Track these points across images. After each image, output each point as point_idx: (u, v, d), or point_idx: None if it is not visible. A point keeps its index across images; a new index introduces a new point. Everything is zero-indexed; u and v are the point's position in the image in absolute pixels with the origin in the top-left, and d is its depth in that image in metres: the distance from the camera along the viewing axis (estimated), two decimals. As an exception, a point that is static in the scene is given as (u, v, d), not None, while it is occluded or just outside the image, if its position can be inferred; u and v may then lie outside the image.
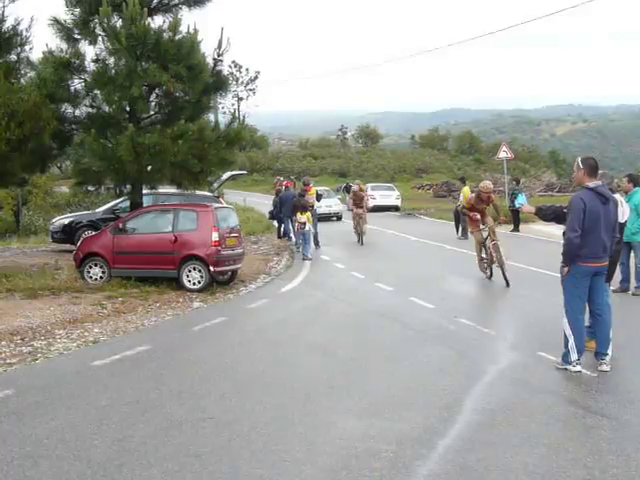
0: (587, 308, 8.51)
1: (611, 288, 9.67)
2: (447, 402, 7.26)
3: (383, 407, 7.15)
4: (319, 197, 25.85)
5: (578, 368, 8.18)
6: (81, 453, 5.88)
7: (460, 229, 26.23)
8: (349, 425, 6.61)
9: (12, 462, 5.69)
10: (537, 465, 5.58)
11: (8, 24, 16.14)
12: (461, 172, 61.40)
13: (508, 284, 14.57)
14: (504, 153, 35.62)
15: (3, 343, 10.05)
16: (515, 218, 28.46)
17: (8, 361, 9.16)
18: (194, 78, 16.15)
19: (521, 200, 28.41)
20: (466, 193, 26.74)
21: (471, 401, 7.31)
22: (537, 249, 22.13)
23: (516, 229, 28.16)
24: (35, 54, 16.82)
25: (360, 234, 24.52)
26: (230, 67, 74.16)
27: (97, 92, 16.69)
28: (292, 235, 23.92)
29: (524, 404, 7.16)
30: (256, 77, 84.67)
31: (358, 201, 25.72)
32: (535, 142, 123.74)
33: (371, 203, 35.15)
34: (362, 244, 23.97)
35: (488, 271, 15.87)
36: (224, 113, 43.42)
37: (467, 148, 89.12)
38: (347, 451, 5.92)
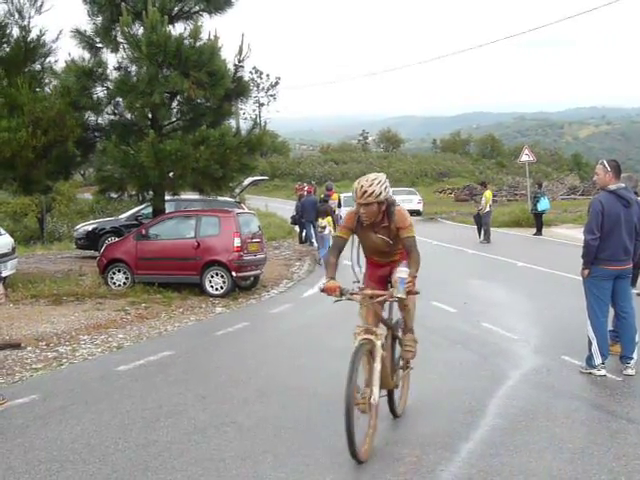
0: (611, 311, 8.46)
1: (634, 291, 9.60)
2: (470, 406, 7.24)
3: (406, 411, 7.13)
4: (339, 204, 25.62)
5: (603, 372, 8.12)
6: (106, 457, 5.92)
7: (482, 233, 26.14)
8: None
9: (39, 466, 5.75)
10: (562, 470, 5.54)
11: (33, 34, 16.31)
12: (483, 176, 61.22)
13: None
14: (526, 156, 35.45)
15: (29, 349, 10.16)
16: (538, 222, 28.34)
17: (34, 366, 9.26)
18: (215, 84, 16.21)
19: (544, 204, 28.31)
20: (488, 197, 26.71)
21: (494, 405, 7.28)
22: (560, 252, 21.98)
23: (539, 233, 28.03)
24: (59, 63, 17.01)
25: None
26: (251, 73, 74.43)
27: (119, 100, 16.83)
28: (314, 240, 23.95)
29: (548, 408, 7.12)
30: (277, 83, 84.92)
31: None
32: (558, 145, 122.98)
33: None
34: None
35: None
36: (245, 119, 43.76)
37: (489, 152, 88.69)
38: (370, 455, 5.91)
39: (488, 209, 26.17)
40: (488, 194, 27.04)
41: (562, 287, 14.74)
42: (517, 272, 17.90)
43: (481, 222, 26.29)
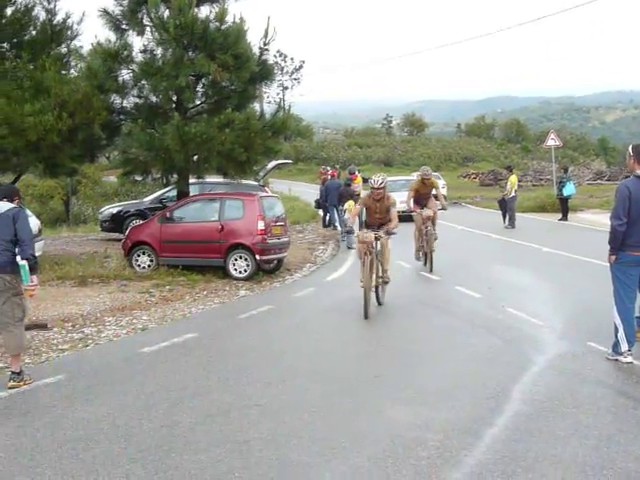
0: (639, 298, 8.37)
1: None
2: (494, 392, 7.21)
3: (429, 396, 7.12)
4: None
5: (629, 359, 8.04)
6: (131, 437, 5.97)
7: (507, 218, 25.95)
8: (395, 414, 6.59)
9: (65, 445, 5.81)
10: (587, 456, 5.50)
11: (59, 17, 16.37)
12: (508, 160, 60.74)
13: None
14: (552, 141, 35.11)
15: (55, 329, 10.26)
16: (563, 207, 28.09)
17: (60, 347, 9.35)
18: (240, 67, 16.20)
19: (569, 189, 28.05)
20: (513, 181, 26.49)
21: (519, 391, 7.24)
22: (586, 238, 21.79)
23: (564, 218, 27.79)
24: (85, 46, 17.06)
25: (428, 252, 15.80)
26: (275, 56, 74.30)
27: (144, 82, 16.86)
28: (337, 224, 23.93)
29: (573, 395, 7.07)
30: (301, 66, 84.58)
31: (425, 197, 16.18)
32: (584, 129, 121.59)
33: None
34: (431, 270, 15.48)
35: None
36: (269, 102, 43.66)
37: (514, 136, 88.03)
38: (393, 440, 5.91)
39: (513, 194, 25.96)
40: (514, 179, 26.82)
41: (588, 273, 14.61)
42: (542, 257, 17.77)
43: (506, 207, 26.10)
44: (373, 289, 11.50)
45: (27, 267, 7.45)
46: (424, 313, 11.45)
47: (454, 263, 16.68)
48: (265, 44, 17.14)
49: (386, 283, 12.02)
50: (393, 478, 5.17)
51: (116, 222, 21.62)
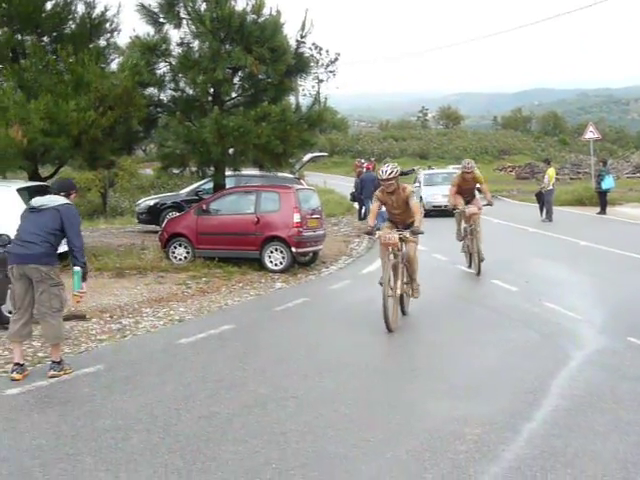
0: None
1: None
2: (532, 386, 7.16)
3: (467, 390, 7.09)
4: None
5: (670, 355, 7.93)
6: (169, 428, 6.02)
7: (544, 211, 25.70)
8: (432, 407, 6.58)
9: (105, 434, 5.88)
10: (629, 453, 5.44)
11: (98, 11, 16.52)
12: (545, 154, 60.08)
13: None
14: (591, 133, 34.65)
15: (93, 320, 10.37)
16: (602, 200, 27.74)
17: (98, 337, 9.45)
18: (277, 60, 16.22)
19: (608, 182, 27.68)
20: (551, 174, 26.22)
21: (557, 386, 7.18)
22: (624, 232, 21.53)
23: (602, 212, 27.43)
24: (123, 39, 17.21)
25: (474, 254, 14.39)
26: (310, 49, 74.11)
27: (182, 75, 16.95)
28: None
29: (613, 390, 6.99)
30: (336, 59, 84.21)
31: (467, 192, 14.57)
32: (623, 122, 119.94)
33: None
34: (479, 273, 14.11)
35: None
36: (304, 95, 43.36)
37: (551, 129, 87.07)
38: (430, 433, 5.89)
39: (551, 187, 25.69)
40: (551, 172, 26.54)
41: (626, 267, 14.43)
42: (580, 251, 17.57)
43: (543, 200, 25.84)
44: (396, 297, 9.93)
45: (80, 274, 7.57)
46: (460, 306, 11.39)
47: (490, 256, 16.51)
48: (302, 37, 17.14)
49: (414, 297, 10.72)
50: (431, 471, 5.15)
51: (153, 214, 21.78)
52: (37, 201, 7.79)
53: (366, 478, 5.10)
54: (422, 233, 10.05)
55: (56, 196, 7.78)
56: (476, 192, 14.94)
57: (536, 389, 7.07)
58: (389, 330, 9.29)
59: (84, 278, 7.69)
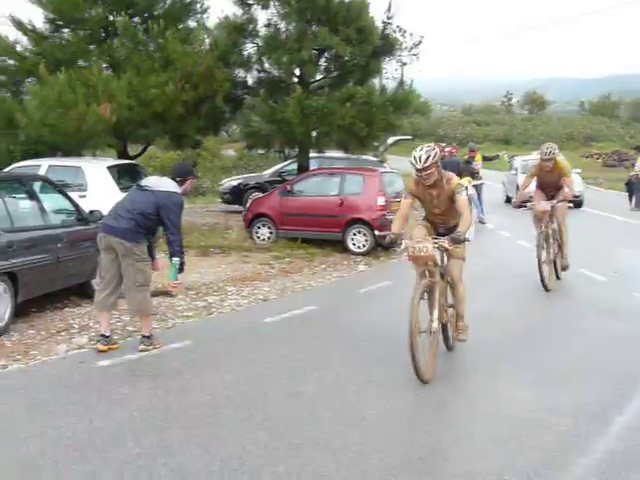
0: None
1: None
2: (622, 378, 6.97)
3: (553, 379, 6.93)
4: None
5: None
6: (257, 405, 6.07)
7: (634, 200, 24.89)
8: (518, 396, 6.46)
9: (194, 409, 5.97)
10: None
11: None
12: (634, 141, 58.23)
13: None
14: (685, 121, 33.36)
15: (179, 297, 10.53)
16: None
17: (185, 314, 9.59)
18: (363, 41, 16.15)
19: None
20: (643, 162, 25.32)
21: (649, 378, 6.96)
22: None
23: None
24: (212, 20, 17.41)
25: (550, 264, 11.56)
26: (394, 31, 73.58)
27: (267, 56, 17.02)
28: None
29: None
30: (420, 42, 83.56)
31: (550, 186, 11.68)
32: None
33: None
34: (547, 289, 11.24)
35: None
36: (387, 78, 42.95)
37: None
38: (516, 422, 5.80)
39: (642, 175, 24.84)
40: (643, 159, 25.66)
41: None
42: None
43: (633, 189, 25.03)
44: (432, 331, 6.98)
45: (177, 266, 7.65)
46: (546, 295, 11.11)
47: (576, 245, 16.03)
48: (389, 18, 16.98)
49: (458, 339, 7.79)
50: (519, 460, 5.07)
51: (236, 194, 21.99)
52: (145, 180, 7.92)
53: (452, 464, 5.04)
54: (466, 241, 7.19)
55: (167, 181, 7.77)
56: (566, 188, 11.55)
57: (626, 380, 6.90)
58: (419, 376, 6.54)
59: (181, 269, 7.72)
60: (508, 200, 26.01)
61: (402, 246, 7.16)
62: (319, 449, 5.19)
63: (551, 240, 11.49)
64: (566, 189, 11.43)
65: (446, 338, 7.68)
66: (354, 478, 4.79)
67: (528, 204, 11.75)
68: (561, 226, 11.69)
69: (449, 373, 7.11)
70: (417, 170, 7.00)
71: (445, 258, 7.33)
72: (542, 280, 11.11)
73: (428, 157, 6.91)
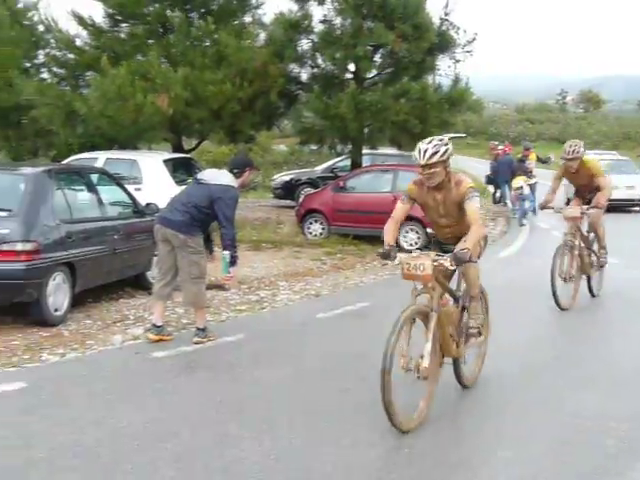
0: None
1: None
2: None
3: (613, 383, 6.78)
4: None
5: None
6: (308, 400, 6.06)
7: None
8: (574, 398, 6.31)
9: (246, 402, 5.98)
10: None
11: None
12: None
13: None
14: None
15: (232, 291, 10.60)
16: None
17: (238, 308, 9.66)
18: (419, 38, 16.08)
19: None
20: None
21: None
22: None
23: None
24: (267, 15, 17.51)
25: (576, 280, 9.95)
26: (448, 28, 73.03)
27: (322, 52, 17.04)
28: (508, 201, 23.33)
29: None
30: (474, 39, 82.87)
31: (585, 190, 10.24)
32: None
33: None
34: (561, 308, 9.68)
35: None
36: (440, 75, 42.66)
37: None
38: (572, 425, 5.67)
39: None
40: None
41: None
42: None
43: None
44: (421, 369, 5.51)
45: (228, 260, 7.66)
46: (602, 297, 10.84)
47: (630, 245, 15.77)
48: (446, 14, 16.88)
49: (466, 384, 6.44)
50: (579, 462, 4.97)
51: (287, 190, 22.09)
52: (201, 174, 7.96)
53: (511, 463, 4.97)
54: (469, 262, 5.59)
55: (224, 174, 7.79)
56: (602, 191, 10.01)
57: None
58: (400, 430, 5.34)
59: (233, 263, 7.74)
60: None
61: (396, 261, 5.73)
62: (363, 447, 5.17)
63: (576, 252, 9.84)
64: (600, 195, 9.86)
65: (459, 375, 6.31)
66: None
67: (556, 207, 10.46)
68: (597, 231, 10.35)
69: (503, 371, 7.00)
70: (421, 167, 5.75)
71: (461, 279, 6.22)
72: (554, 296, 9.57)
73: (436, 152, 5.64)
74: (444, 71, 19.52)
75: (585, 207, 9.91)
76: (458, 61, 18.65)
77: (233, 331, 8.24)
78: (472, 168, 37.26)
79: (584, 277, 10.30)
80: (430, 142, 5.70)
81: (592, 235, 10.37)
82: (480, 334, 6.36)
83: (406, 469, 4.88)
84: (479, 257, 6.20)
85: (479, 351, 6.68)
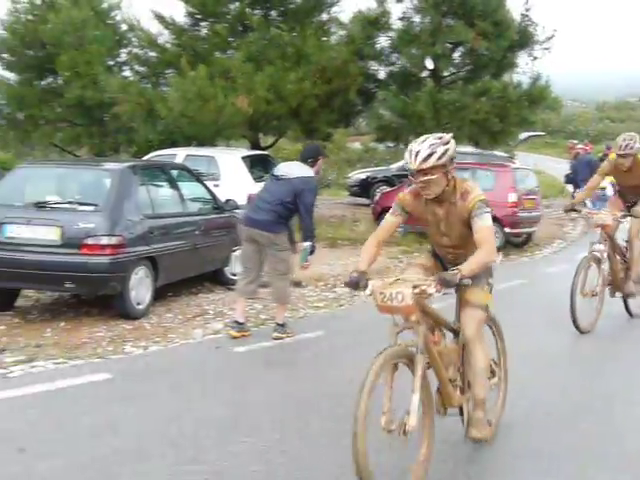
0: None
1: None
2: None
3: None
4: None
5: None
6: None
7: None
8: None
9: (327, 400, 5.95)
10: None
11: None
12: None
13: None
14: None
15: (310, 287, 10.66)
16: None
17: (315, 304, 9.70)
18: (500, 35, 15.87)
19: None
20: None
21: None
22: None
23: None
24: (344, 13, 17.50)
25: (599, 297, 8.47)
26: (528, 25, 71.78)
27: (400, 49, 16.95)
28: (587, 201, 22.77)
29: None
30: (552, 36, 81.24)
31: (632, 191, 8.72)
32: None
33: None
34: (580, 331, 8.26)
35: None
36: (517, 72, 42.04)
37: None
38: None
39: None
40: None
41: None
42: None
43: None
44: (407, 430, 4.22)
45: (308, 250, 7.73)
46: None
47: None
48: (527, 10, 16.62)
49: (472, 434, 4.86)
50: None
51: (363, 187, 22.05)
52: (280, 169, 7.96)
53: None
54: (461, 285, 4.38)
55: (300, 165, 7.81)
56: None
57: None
58: None
59: (312, 252, 7.80)
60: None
61: (367, 291, 4.47)
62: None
63: (603, 267, 8.36)
64: None
65: (466, 420, 4.96)
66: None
67: (583, 210, 8.88)
68: (633, 243, 8.72)
69: (559, 375, 6.83)
70: (414, 173, 4.45)
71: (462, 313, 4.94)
72: (573, 316, 8.15)
73: (431, 154, 4.36)
74: (521, 68, 19.19)
75: (620, 213, 8.52)
76: (536, 58, 18.28)
77: (311, 328, 8.28)
78: (550, 169, 36.62)
79: (617, 295, 8.86)
80: (424, 141, 4.44)
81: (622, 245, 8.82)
82: (493, 374, 5.17)
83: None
84: (490, 289, 4.90)
85: (495, 395, 5.30)
